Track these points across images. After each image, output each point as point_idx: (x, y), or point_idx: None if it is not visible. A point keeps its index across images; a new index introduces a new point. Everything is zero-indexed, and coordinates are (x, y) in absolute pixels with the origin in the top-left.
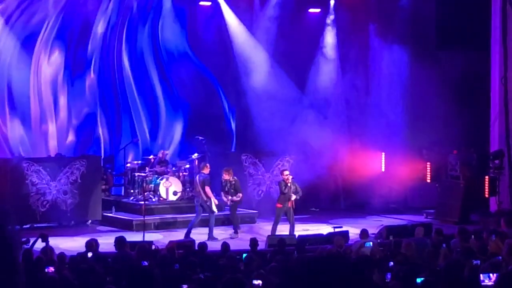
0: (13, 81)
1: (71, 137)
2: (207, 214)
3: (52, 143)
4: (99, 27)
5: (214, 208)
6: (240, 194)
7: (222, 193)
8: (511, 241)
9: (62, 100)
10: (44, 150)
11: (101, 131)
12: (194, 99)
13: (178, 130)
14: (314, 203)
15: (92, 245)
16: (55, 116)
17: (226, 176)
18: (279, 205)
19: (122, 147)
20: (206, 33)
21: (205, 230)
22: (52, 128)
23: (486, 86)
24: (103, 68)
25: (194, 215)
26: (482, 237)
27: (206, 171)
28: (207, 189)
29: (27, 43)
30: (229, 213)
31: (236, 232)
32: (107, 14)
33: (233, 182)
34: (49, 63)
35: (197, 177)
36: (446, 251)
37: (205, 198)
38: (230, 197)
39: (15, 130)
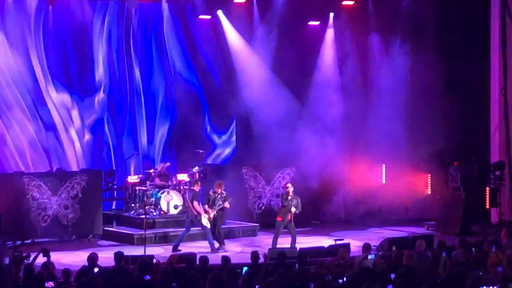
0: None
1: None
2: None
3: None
4: (103, 41)
5: (205, 223)
6: (228, 204)
7: (206, 206)
8: (511, 253)
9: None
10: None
11: (105, 145)
12: (194, 112)
13: (179, 144)
14: (314, 215)
15: (93, 259)
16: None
17: (218, 190)
18: (279, 219)
19: (124, 160)
20: (206, 46)
21: (206, 243)
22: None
23: (486, 97)
24: (109, 81)
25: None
26: (483, 249)
27: (197, 188)
28: (195, 204)
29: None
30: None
31: (221, 245)
32: (109, 28)
33: (224, 194)
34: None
35: (187, 193)
36: (445, 260)
37: (195, 213)
38: (214, 211)
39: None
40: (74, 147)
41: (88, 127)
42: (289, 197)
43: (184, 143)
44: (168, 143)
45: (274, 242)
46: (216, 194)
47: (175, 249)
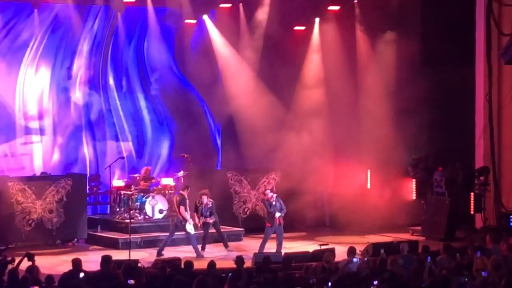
0: None
1: (56, 156)
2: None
3: (38, 162)
4: (85, 45)
5: (189, 229)
6: (214, 218)
7: (194, 214)
8: (496, 258)
9: (48, 119)
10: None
11: (87, 150)
12: (179, 117)
13: (164, 148)
14: (299, 220)
15: (77, 264)
16: (40, 134)
17: (204, 200)
18: (268, 225)
19: (108, 165)
20: (191, 51)
21: (190, 248)
22: (37, 146)
23: (471, 102)
24: (90, 86)
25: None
26: (467, 254)
27: (185, 193)
28: (182, 209)
29: (13, 61)
30: (205, 231)
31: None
32: (93, 32)
33: (210, 205)
34: (35, 82)
35: (175, 197)
36: (430, 265)
37: (180, 218)
38: (203, 219)
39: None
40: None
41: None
42: (273, 203)
43: (168, 147)
44: (152, 147)
45: (262, 247)
46: (203, 205)
47: (159, 253)
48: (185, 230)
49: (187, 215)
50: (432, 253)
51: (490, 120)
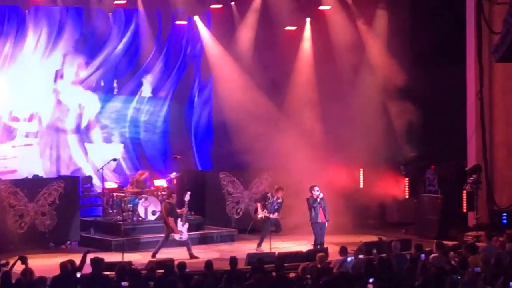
0: None
1: (48, 158)
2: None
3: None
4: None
5: (178, 238)
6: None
7: (259, 204)
8: (487, 255)
9: (39, 121)
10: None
11: (78, 152)
12: (172, 117)
13: (156, 149)
14: (292, 219)
15: (67, 266)
16: (32, 136)
17: (278, 194)
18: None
19: (101, 166)
20: (183, 51)
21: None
22: (29, 148)
23: (463, 101)
24: (82, 88)
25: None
26: (460, 252)
27: (173, 200)
28: (171, 220)
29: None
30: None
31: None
32: (84, 33)
33: (280, 200)
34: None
35: (163, 205)
36: (423, 263)
37: (170, 228)
38: (267, 213)
39: None
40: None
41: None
42: (317, 200)
43: (162, 147)
44: (145, 148)
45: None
46: (274, 198)
47: (154, 255)
48: (166, 235)
49: (175, 226)
50: (425, 251)
51: (482, 118)
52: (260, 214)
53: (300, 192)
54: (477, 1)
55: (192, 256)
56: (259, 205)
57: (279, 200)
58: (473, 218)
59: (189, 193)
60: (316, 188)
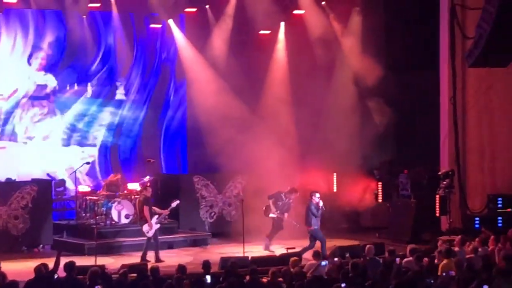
0: None
1: (21, 161)
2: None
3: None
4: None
5: (145, 230)
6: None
7: (272, 202)
8: (460, 259)
9: (12, 124)
10: None
11: (52, 155)
12: (145, 120)
13: (130, 152)
14: (267, 223)
15: (41, 270)
16: (4, 139)
17: (292, 196)
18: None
19: (74, 170)
20: (157, 54)
21: (161, 253)
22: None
23: (436, 105)
24: (56, 91)
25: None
26: (433, 257)
27: (147, 193)
28: (146, 209)
29: None
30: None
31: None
32: (58, 37)
33: (290, 201)
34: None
35: (138, 197)
36: (397, 268)
37: (143, 218)
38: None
39: None
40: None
41: (35, 137)
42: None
43: (136, 151)
44: (118, 152)
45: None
46: (287, 200)
47: (143, 259)
48: (142, 230)
49: (149, 217)
50: (398, 255)
51: (455, 123)
52: (273, 214)
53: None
54: (451, 6)
55: (143, 258)
56: (271, 202)
57: (290, 201)
58: (446, 222)
59: (178, 202)
60: (317, 195)
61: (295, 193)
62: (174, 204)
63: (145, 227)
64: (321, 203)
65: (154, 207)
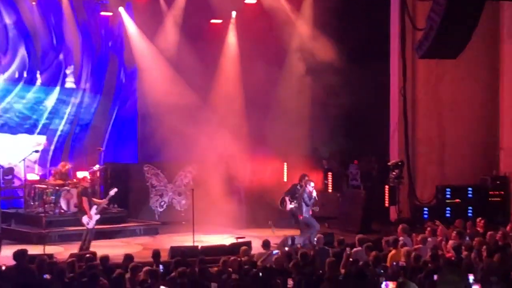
0: None
1: None
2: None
3: None
4: None
5: (85, 222)
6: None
7: (288, 198)
8: (408, 249)
9: None
10: None
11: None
12: (96, 109)
13: (80, 141)
14: (217, 213)
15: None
16: None
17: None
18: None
19: (23, 158)
20: (108, 42)
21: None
22: None
23: (386, 96)
24: (4, 79)
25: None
26: (382, 246)
27: (85, 183)
28: (84, 200)
29: None
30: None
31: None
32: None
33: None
34: None
35: (77, 189)
36: (346, 258)
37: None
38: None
39: None
40: None
41: None
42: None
43: (85, 140)
44: (68, 140)
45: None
46: (302, 189)
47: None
48: (81, 222)
49: (87, 208)
50: (348, 245)
51: (405, 113)
52: (290, 205)
53: (223, 185)
54: None
55: (82, 248)
56: (287, 198)
57: (308, 189)
58: (395, 212)
59: (115, 189)
60: (312, 184)
61: (306, 177)
62: (112, 192)
63: (85, 219)
64: (314, 193)
65: (93, 198)
